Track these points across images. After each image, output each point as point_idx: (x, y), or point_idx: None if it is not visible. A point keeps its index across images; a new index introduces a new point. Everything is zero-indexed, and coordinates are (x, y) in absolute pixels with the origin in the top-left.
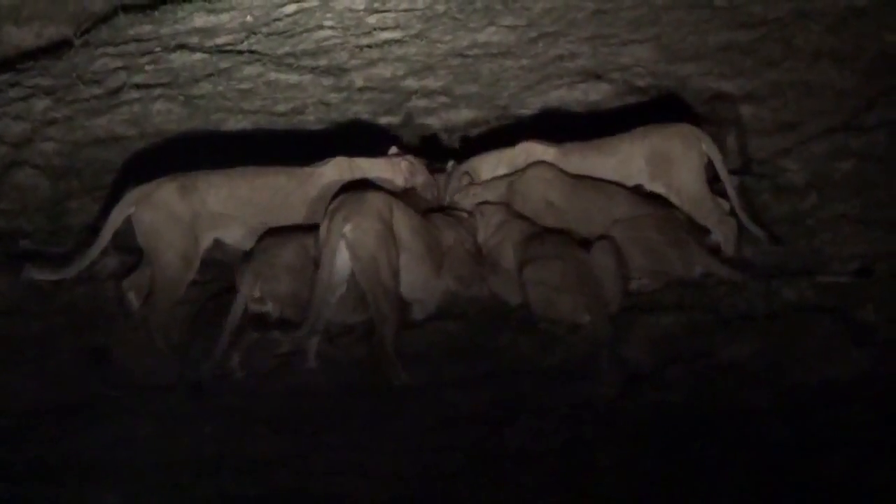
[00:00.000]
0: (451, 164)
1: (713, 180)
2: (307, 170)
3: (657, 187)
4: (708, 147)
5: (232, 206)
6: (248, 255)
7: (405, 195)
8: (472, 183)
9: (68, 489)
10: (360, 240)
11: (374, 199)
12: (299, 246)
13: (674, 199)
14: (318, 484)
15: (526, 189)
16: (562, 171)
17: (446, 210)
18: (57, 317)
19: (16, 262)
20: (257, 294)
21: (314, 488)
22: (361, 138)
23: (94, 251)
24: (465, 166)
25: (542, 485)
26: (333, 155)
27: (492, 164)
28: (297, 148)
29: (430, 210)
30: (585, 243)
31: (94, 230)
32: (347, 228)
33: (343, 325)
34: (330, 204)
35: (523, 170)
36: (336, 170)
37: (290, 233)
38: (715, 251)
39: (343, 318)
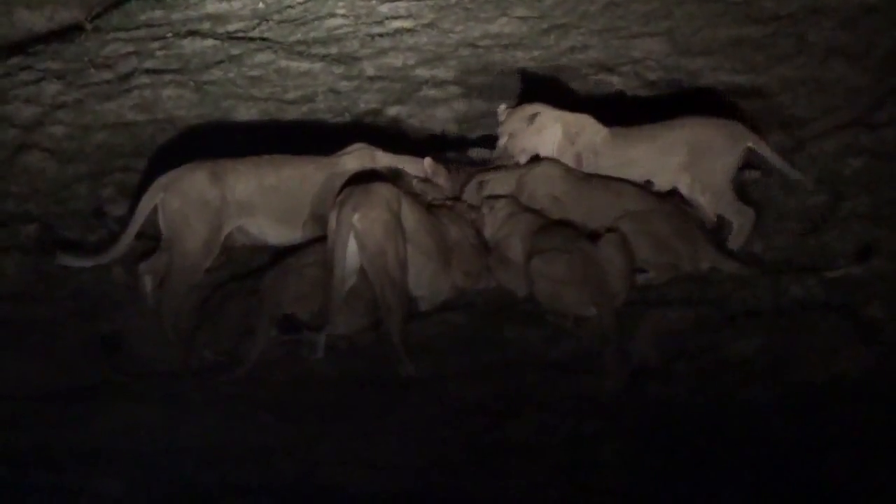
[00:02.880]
0: (503, 106)
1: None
2: (331, 159)
3: (682, 177)
4: (756, 143)
5: (259, 193)
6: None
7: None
8: (484, 171)
9: (72, 475)
10: (368, 230)
11: (382, 190)
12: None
13: (696, 189)
14: (323, 474)
15: (534, 185)
16: (570, 168)
17: (449, 204)
18: (65, 302)
19: (39, 245)
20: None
21: (318, 478)
22: (370, 127)
23: (128, 238)
24: (530, 108)
25: (545, 477)
26: (344, 144)
27: (552, 118)
28: (306, 135)
29: (432, 205)
30: (594, 236)
31: (97, 214)
32: (356, 218)
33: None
34: (338, 195)
35: (532, 166)
36: (358, 160)
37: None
38: (722, 245)
39: (351, 325)
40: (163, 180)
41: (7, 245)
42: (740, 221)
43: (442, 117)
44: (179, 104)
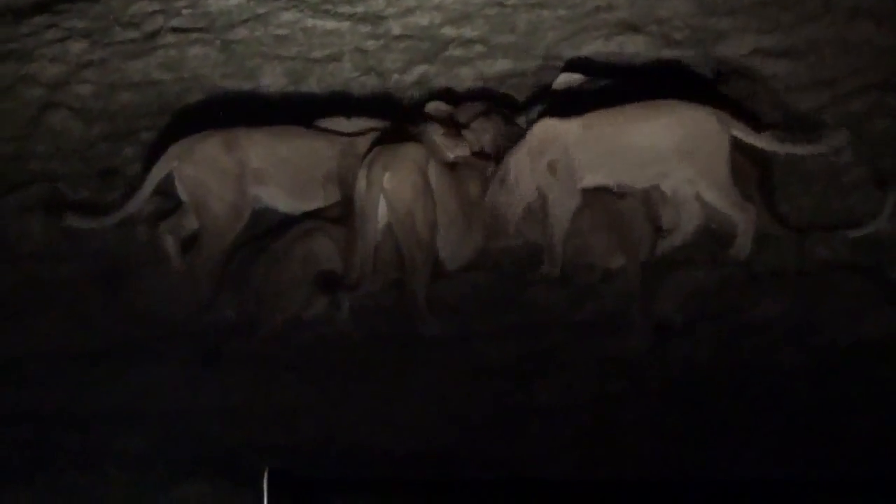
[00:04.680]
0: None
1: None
2: (343, 138)
3: (682, 168)
4: (742, 132)
5: (272, 163)
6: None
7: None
8: None
9: (95, 435)
10: (398, 190)
11: (412, 151)
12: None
13: (700, 183)
14: (345, 434)
15: None
16: None
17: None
18: (88, 261)
19: (52, 205)
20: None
21: (341, 438)
22: (395, 87)
23: (136, 204)
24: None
25: (569, 439)
26: (368, 104)
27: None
28: (331, 95)
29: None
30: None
31: (113, 172)
32: (386, 178)
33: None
34: (366, 156)
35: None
36: (371, 140)
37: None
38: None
39: (373, 284)
40: (175, 149)
41: (31, 204)
42: (744, 221)
43: (467, 76)
44: (205, 63)
